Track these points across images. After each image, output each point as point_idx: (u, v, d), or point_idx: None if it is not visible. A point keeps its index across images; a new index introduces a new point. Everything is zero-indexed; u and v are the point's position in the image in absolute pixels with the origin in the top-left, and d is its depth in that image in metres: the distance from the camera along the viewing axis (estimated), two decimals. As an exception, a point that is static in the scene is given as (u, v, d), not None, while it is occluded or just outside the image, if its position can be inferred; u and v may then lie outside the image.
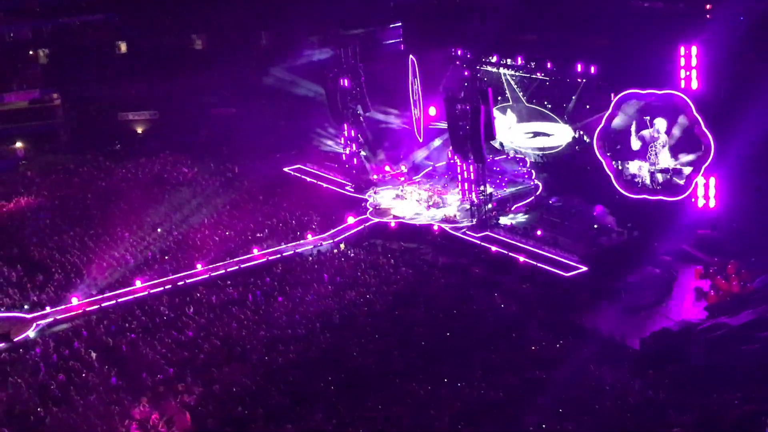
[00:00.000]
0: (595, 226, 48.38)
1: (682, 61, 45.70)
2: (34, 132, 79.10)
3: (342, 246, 50.73)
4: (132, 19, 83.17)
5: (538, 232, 48.49)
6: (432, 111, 60.50)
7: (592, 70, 50.86)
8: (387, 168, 62.33)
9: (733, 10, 46.67)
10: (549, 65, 53.91)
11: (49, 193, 64.35)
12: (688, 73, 45.70)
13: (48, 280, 48.18)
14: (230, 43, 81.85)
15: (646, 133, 47.85)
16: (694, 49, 45.27)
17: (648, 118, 47.51)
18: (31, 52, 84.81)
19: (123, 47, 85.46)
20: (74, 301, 45.35)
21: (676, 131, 46.71)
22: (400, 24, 76.68)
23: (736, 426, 30.33)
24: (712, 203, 46.67)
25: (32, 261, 51.17)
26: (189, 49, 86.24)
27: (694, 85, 45.62)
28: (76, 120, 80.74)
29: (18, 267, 49.92)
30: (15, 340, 42.10)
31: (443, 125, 56.19)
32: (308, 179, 63.71)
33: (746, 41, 45.53)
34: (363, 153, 63.25)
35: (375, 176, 61.39)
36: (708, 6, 49.63)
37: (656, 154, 47.75)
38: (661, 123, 47.15)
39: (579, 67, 51.55)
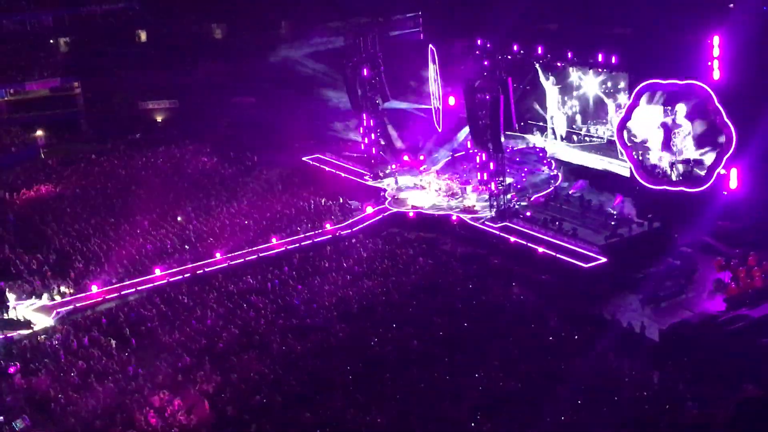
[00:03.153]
0: (615, 215, 48.11)
1: (705, 52, 45.25)
2: (54, 120, 79.63)
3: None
4: (152, 8, 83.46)
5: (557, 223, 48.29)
6: (451, 101, 60.31)
7: (614, 59, 50.48)
8: (405, 158, 62.19)
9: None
10: (569, 55, 53.57)
11: (69, 181, 64.72)
12: (710, 63, 45.22)
13: (69, 268, 48.45)
14: (250, 32, 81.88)
15: (668, 120, 47.49)
16: (716, 39, 44.82)
17: (669, 107, 47.14)
18: (51, 41, 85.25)
19: (143, 36, 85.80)
20: (94, 288, 45.61)
21: (698, 123, 46.37)
22: (420, 13, 76.37)
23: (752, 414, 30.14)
24: (734, 195, 46.26)
25: (53, 249, 51.46)
26: (209, 38, 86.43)
27: (717, 75, 45.15)
28: (96, 109, 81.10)
29: (39, 255, 50.22)
30: (36, 327, 42.39)
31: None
32: (327, 169, 63.72)
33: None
34: (382, 142, 63.16)
35: (393, 166, 61.27)
36: (731, -2, 49.13)
37: (678, 144, 47.39)
38: (681, 109, 46.76)
39: (600, 57, 51.16)
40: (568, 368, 34.77)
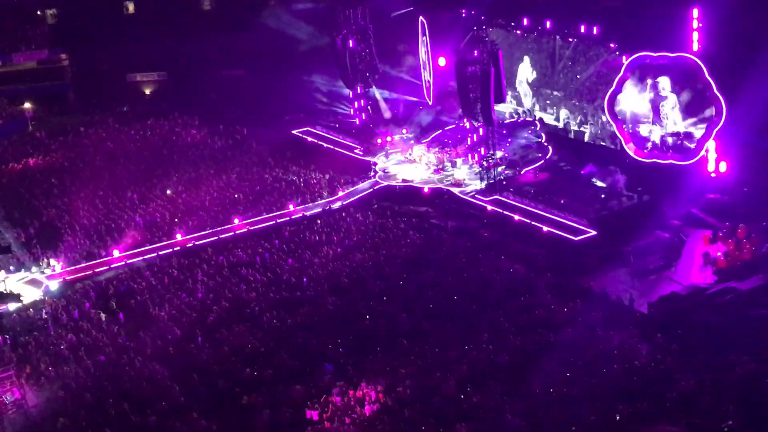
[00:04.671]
0: (597, 184, 48.21)
1: (695, 24, 45.17)
2: (42, 93, 78.99)
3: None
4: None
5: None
6: (441, 61, 59.83)
7: (602, 32, 50.43)
8: (396, 131, 61.97)
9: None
10: (558, 27, 53.50)
11: (57, 154, 64.36)
12: (701, 36, 45.16)
13: (57, 241, 48.28)
14: (239, 4, 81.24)
15: (652, 94, 47.48)
16: (703, 12, 44.68)
17: (652, 80, 47.12)
18: (38, 12, 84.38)
19: (131, 8, 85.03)
20: (83, 262, 45.47)
21: (686, 94, 46.37)
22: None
23: (741, 384, 30.39)
24: (723, 167, 46.35)
25: (42, 222, 51.25)
26: (197, 9, 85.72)
27: (706, 48, 45.09)
28: (84, 81, 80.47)
29: (27, 228, 50.02)
30: (25, 300, 42.30)
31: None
32: (317, 142, 63.50)
33: (759, 3, 44.95)
34: (372, 115, 62.93)
35: (384, 139, 61.08)
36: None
37: (667, 116, 47.41)
38: (665, 82, 46.76)
39: (594, 30, 51.11)
40: (557, 341, 34.91)
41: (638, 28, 48.77)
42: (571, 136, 56.15)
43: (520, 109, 60.40)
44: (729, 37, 45.09)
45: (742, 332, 34.18)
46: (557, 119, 57.79)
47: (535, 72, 58.70)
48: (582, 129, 55.48)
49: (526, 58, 58.81)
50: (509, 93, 58.76)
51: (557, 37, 55.59)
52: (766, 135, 45.27)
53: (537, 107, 59.35)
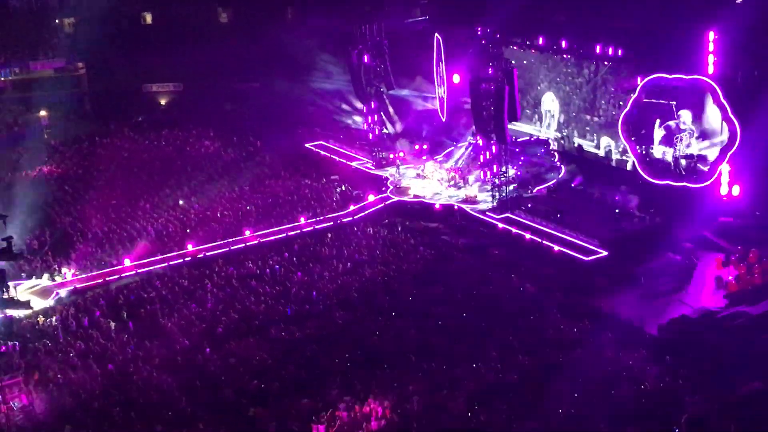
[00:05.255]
0: (617, 210, 48.09)
1: (711, 47, 45.14)
2: (59, 101, 79.36)
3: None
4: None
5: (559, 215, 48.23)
6: (456, 78, 59.92)
7: (619, 52, 50.38)
8: (408, 146, 62.04)
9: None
10: (574, 46, 53.51)
11: (72, 162, 64.68)
12: (716, 58, 45.14)
13: (69, 249, 48.47)
14: (255, 17, 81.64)
15: (672, 123, 47.41)
16: (722, 35, 44.67)
17: (674, 103, 47.02)
18: (56, 21, 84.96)
19: (149, 18, 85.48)
20: (95, 270, 45.61)
21: (702, 118, 46.33)
22: (425, 1, 76.13)
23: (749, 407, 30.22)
24: (735, 191, 46.20)
25: (54, 229, 51.45)
26: (214, 21, 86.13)
27: (722, 71, 45.07)
28: (100, 90, 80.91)
29: (40, 235, 50.24)
30: (35, 307, 42.43)
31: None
32: (330, 156, 63.62)
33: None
34: (385, 131, 63.06)
35: (396, 154, 61.14)
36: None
37: (681, 139, 47.35)
38: (686, 115, 46.75)
39: (610, 50, 51.12)
40: (566, 361, 34.77)
41: (654, 50, 48.68)
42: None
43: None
44: (744, 60, 45.01)
45: (753, 356, 33.97)
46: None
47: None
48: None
49: (551, 83, 58.40)
50: (535, 117, 58.84)
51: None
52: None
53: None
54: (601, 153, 55.47)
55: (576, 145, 57.16)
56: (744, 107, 44.44)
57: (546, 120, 60.03)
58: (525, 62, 59.45)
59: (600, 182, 52.31)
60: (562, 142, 58.48)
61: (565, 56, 56.60)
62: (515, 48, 58.35)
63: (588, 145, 56.79)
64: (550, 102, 59.41)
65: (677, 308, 39.90)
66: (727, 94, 44.72)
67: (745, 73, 45.08)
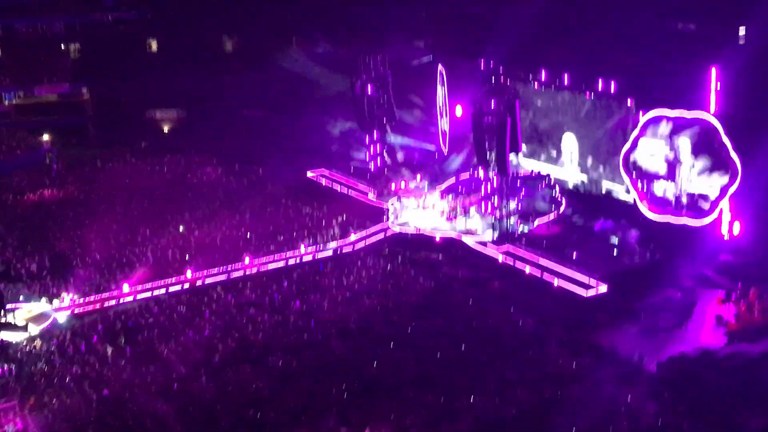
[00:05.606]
0: (618, 246, 48.05)
1: (713, 84, 45.35)
2: (62, 125, 79.72)
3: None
4: (164, 18, 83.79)
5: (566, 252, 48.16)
6: (458, 111, 60.18)
7: (621, 88, 50.61)
8: (410, 177, 62.15)
9: (765, 34, 46.33)
10: (576, 82, 53.73)
11: (73, 186, 64.78)
12: (718, 96, 45.33)
13: (68, 274, 48.41)
14: (261, 46, 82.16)
15: (670, 155, 47.51)
16: (725, 73, 44.93)
17: (674, 137, 47.18)
18: (62, 47, 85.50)
19: (154, 45, 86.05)
20: (93, 295, 45.51)
21: (704, 155, 46.43)
22: (430, 34, 76.68)
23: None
24: (736, 228, 46.21)
25: (54, 254, 51.42)
26: (220, 50, 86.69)
27: (724, 108, 45.25)
28: (104, 115, 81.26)
29: (39, 259, 50.17)
30: (33, 331, 42.28)
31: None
32: (331, 185, 63.71)
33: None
34: (387, 161, 63.22)
35: (398, 185, 61.25)
36: (741, 29, 49.23)
37: (682, 176, 47.42)
38: (684, 143, 46.82)
39: (612, 85, 51.35)
40: (565, 396, 34.59)
41: (656, 86, 48.94)
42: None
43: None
44: (746, 98, 45.20)
45: (752, 395, 33.81)
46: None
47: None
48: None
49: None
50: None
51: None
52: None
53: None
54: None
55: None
56: (746, 145, 44.55)
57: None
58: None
59: (600, 217, 52.31)
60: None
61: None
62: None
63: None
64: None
65: (677, 345, 39.73)
66: (729, 132, 44.85)
67: (747, 111, 45.21)
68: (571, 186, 57.21)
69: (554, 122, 58.29)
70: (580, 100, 55.32)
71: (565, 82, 55.85)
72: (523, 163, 59.70)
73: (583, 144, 56.37)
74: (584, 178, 56.56)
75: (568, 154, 57.96)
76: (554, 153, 59.14)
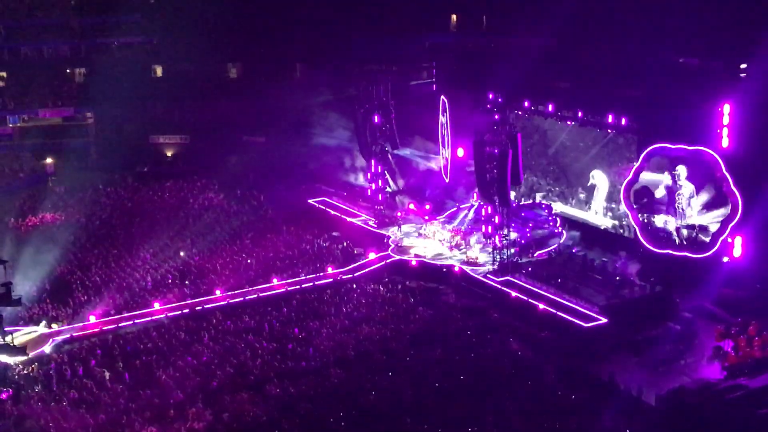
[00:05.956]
0: (618, 278, 48.02)
1: (715, 119, 45.53)
2: (65, 149, 79.97)
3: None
4: (169, 43, 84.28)
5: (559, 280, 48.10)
6: (460, 152, 60.56)
7: (623, 121, 50.75)
8: (411, 206, 62.25)
9: (767, 69, 46.54)
10: (580, 114, 53.86)
11: (75, 210, 64.92)
12: (719, 130, 45.51)
13: (68, 297, 48.40)
14: (264, 74, 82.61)
15: (669, 182, 47.63)
16: (727, 107, 45.15)
17: (675, 170, 47.31)
18: (68, 70, 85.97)
19: (159, 71, 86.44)
20: (92, 319, 45.51)
21: (704, 189, 46.52)
22: (433, 64, 77.10)
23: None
24: (737, 262, 46.18)
25: (54, 277, 51.45)
26: (224, 77, 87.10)
27: (725, 143, 45.42)
28: (107, 139, 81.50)
29: (39, 282, 50.20)
30: (31, 354, 42.20)
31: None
32: (332, 212, 63.81)
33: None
34: (388, 189, 63.33)
35: (399, 213, 61.32)
36: (743, 65, 49.50)
37: (683, 208, 47.49)
38: (681, 170, 46.95)
39: (610, 118, 51.47)
40: (562, 428, 34.45)
41: (658, 119, 49.08)
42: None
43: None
44: (749, 133, 45.33)
45: (751, 429, 33.66)
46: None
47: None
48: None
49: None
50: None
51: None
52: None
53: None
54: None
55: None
56: (748, 179, 44.65)
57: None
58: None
59: (601, 249, 52.31)
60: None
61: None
62: (519, 113, 58.45)
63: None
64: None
65: (676, 378, 39.61)
66: (732, 167, 44.97)
67: (749, 145, 45.34)
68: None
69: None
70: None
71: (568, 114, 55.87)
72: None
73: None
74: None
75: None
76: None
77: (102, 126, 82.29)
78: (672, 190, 47.76)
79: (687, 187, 47.21)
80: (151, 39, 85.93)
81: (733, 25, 52.56)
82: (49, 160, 78.27)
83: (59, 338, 43.95)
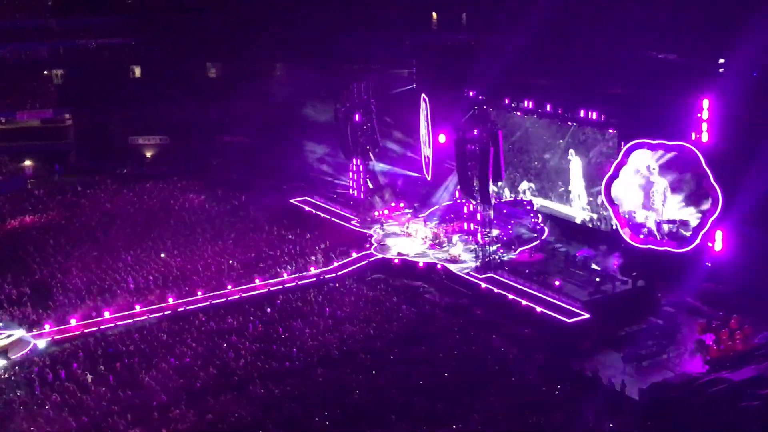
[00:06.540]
0: (597, 271, 48.15)
1: (694, 114, 45.79)
2: (44, 151, 79.45)
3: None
4: (148, 44, 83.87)
5: (549, 279, 48.12)
6: (441, 138, 60.42)
7: (603, 117, 50.96)
8: (393, 204, 62.22)
9: (746, 64, 46.81)
10: (560, 110, 54.02)
11: (55, 212, 64.48)
12: (699, 125, 45.79)
13: (49, 300, 48.05)
14: (244, 73, 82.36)
15: (643, 180, 47.88)
16: (706, 102, 45.44)
17: (656, 166, 47.56)
18: (46, 72, 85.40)
19: (137, 71, 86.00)
20: (73, 322, 45.19)
21: (684, 183, 46.79)
22: (414, 62, 76.93)
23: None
24: (718, 256, 46.44)
25: (34, 280, 51.09)
26: (203, 76, 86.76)
27: (705, 138, 45.70)
28: (86, 141, 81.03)
29: (19, 285, 49.81)
30: (12, 357, 41.89)
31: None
32: (314, 212, 63.71)
33: (758, 96, 45.61)
34: (370, 187, 63.30)
35: (381, 212, 61.28)
36: (721, 60, 49.75)
37: (654, 201, 47.74)
38: (666, 172, 47.22)
39: (591, 114, 51.69)
40: (547, 424, 34.52)
41: (637, 115, 49.30)
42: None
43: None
44: (728, 128, 45.58)
45: (733, 423, 33.82)
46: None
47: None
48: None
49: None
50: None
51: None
52: (761, 226, 45.43)
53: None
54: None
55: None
56: (728, 174, 44.91)
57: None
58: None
59: (580, 244, 52.52)
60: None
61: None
62: (500, 110, 58.56)
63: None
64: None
65: (659, 373, 39.80)
66: (712, 161, 45.23)
67: (729, 140, 45.60)
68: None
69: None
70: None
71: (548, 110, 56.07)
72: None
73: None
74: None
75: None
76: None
77: (81, 128, 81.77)
78: (646, 188, 48.00)
79: (660, 183, 47.47)
80: (129, 39, 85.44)
81: (710, 20, 52.76)
82: (27, 163, 77.72)
83: (41, 341, 43.59)
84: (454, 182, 59.55)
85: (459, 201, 58.68)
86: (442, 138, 60.26)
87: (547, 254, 52.38)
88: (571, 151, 55.19)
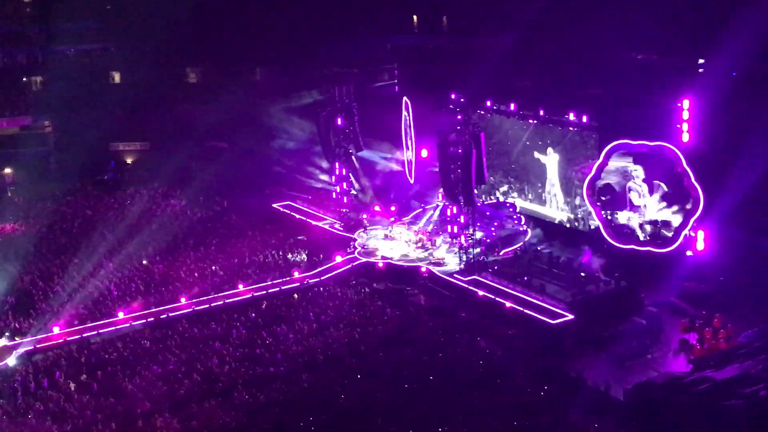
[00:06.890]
0: (583, 273, 48.26)
1: (675, 114, 46.02)
2: (24, 159, 78.84)
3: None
4: (127, 49, 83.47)
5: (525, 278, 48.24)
6: (424, 153, 60.66)
7: (584, 119, 51.12)
8: (377, 208, 62.18)
9: (725, 65, 47.17)
10: (541, 112, 54.14)
11: (35, 220, 64.02)
12: (679, 125, 46.04)
13: (30, 308, 47.67)
14: (224, 78, 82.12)
15: (624, 182, 48.08)
16: (686, 103, 45.68)
17: (637, 166, 47.76)
18: (25, 79, 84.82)
19: (117, 77, 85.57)
20: (56, 330, 44.83)
21: (664, 184, 47.01)
22: (395, 65, 77.16)
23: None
24: (700, 256, 46.67)
25: (15, 288, 50.68)
26: (183, 81, 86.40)
27: (686, 138, 45.94)
28: (66, 148, 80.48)
29: (1, 294, 49.44)
30: (-6, 366, 41.61)
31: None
32: (297, 216, 63.54)
33: (738, 96, 45.94)
34: (353, 192, 63.23)
35: (364, 216, 61.21)
36: (701, 60, 50.10)
37: (643, 203, 47.93)
38: (639, 171, 47.44)
39: (571, 115, 51.83)
40: (532, 425, 34.53)
41: (618, 116, 49.51)
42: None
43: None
44: (710, 128, 45.86)
45: (717, 422, 33.93)
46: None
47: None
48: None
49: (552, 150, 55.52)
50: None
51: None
52: (743, 226, 45.72)
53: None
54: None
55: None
56: (708, 173, 45.15)
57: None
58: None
59: (565, 245, 52.63)
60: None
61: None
62: (482, 113, 58.65)
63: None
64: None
65: (643, 372, 39.91)
66: (692, 161, 45.46)
67: (709, 140, 45.86)
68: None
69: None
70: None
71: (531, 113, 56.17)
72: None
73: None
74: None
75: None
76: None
77: (61, 135, 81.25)
78: (635, 191, 48.20)
79: (641, 184, 47.69)
80: (108, 45, 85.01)
81: (689, 21, 53.15)
82: (7, 170, 77.13)
83: (23, 350, 43.21)
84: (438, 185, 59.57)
85: (442, 203, 58.60)
86: (424, 153, 60.47)
87: (530, 256, 52.43)
88: (549, 149, 55.40)
